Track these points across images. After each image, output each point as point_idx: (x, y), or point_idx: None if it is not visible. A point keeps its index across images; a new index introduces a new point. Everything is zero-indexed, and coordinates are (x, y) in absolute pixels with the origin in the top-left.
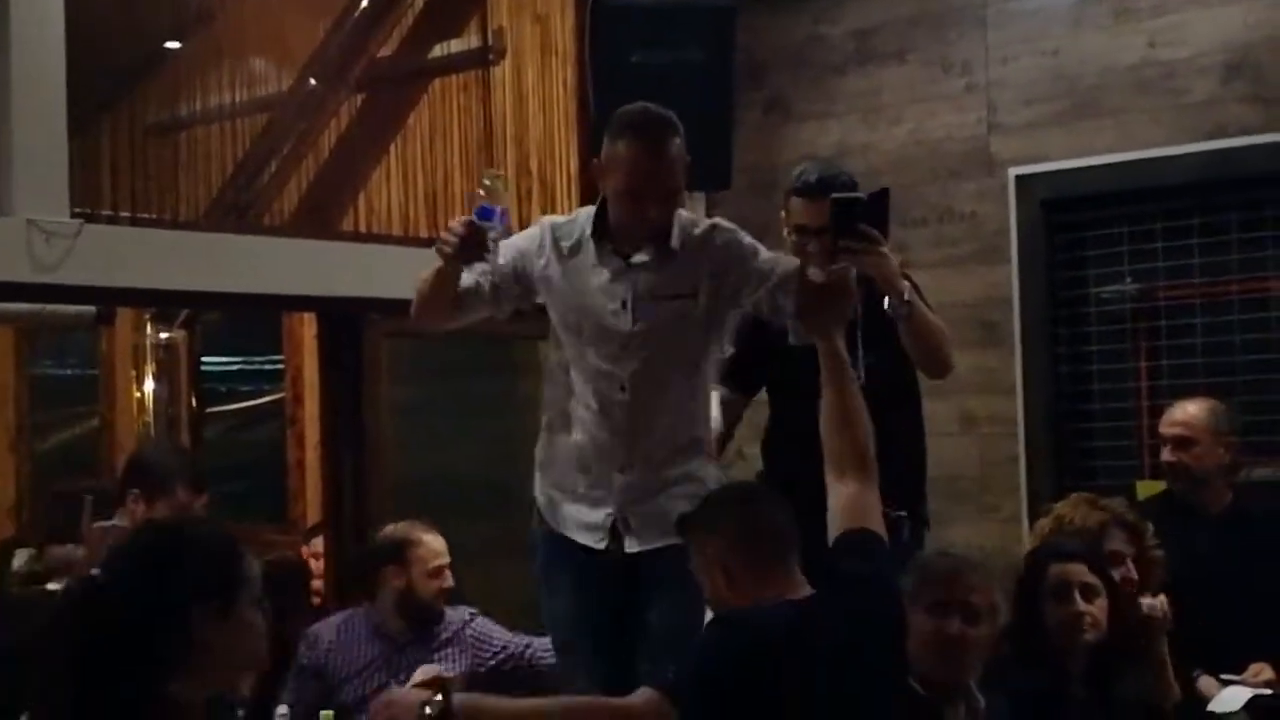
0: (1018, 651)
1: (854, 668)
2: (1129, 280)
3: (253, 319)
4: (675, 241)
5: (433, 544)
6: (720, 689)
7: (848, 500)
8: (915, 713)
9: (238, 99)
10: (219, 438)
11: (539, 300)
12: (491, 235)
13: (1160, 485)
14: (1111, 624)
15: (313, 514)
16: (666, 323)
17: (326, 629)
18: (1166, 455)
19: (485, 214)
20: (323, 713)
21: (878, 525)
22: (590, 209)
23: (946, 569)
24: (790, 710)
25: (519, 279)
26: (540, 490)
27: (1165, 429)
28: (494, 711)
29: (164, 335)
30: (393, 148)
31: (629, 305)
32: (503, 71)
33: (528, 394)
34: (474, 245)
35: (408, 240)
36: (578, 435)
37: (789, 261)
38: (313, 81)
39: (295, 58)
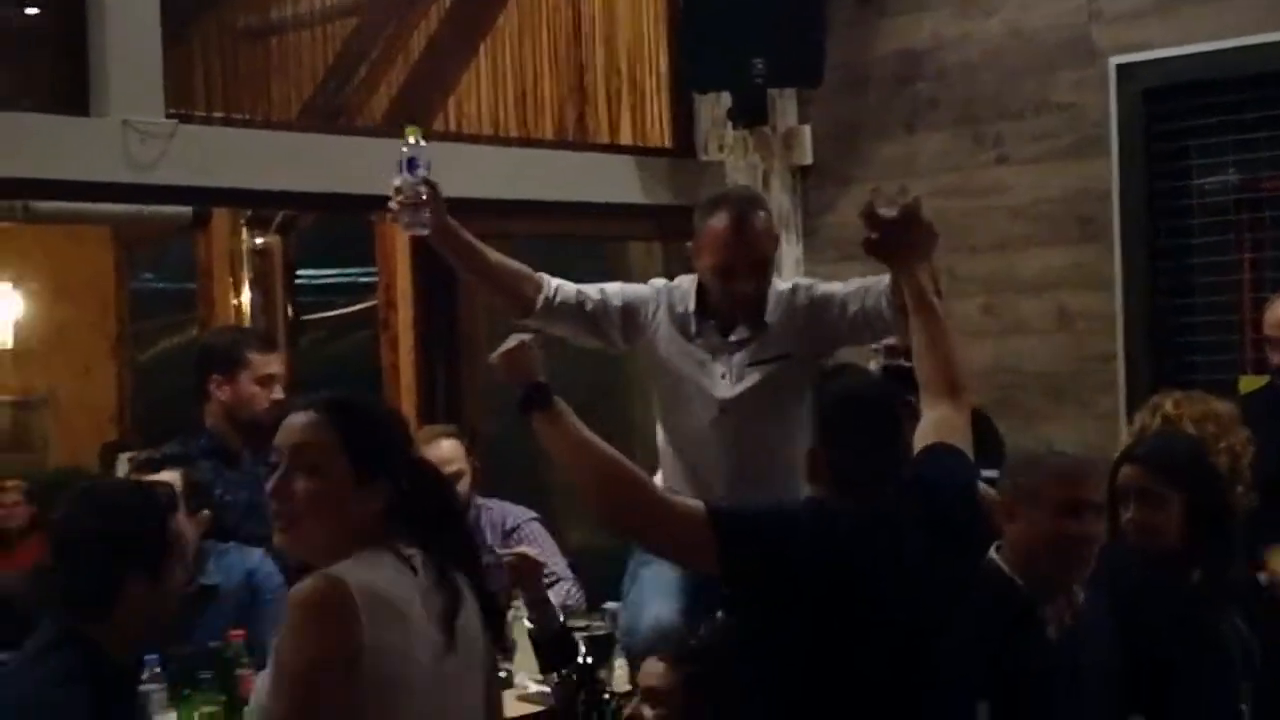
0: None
1: (925, 570)
2: (1231, 171)
3: (345, 227)
4: (770, 316)
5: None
6: (774, 552)
7: (936, 419)
8: (1013, 609)
9: (328, 2)
10: (313, 345)
11: (633, 345)
12: (410, 190)
13: (1262, 380)
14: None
15: (408, 416)
16: (766, 387)
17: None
18: (1276, 358)
19: (412, 165)
20: None
21: (963, 443)
22: (692, 278)
23: (1071, 468)
24: (848, 602)
25: (626, 316)
26: None
27: (1272, 330)
28: (573, 423)
29: (259, 240)
30: (482, 49)
31: (728, 376)
32: None
33: None
34: (415, 202)
35: (498, 140)
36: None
37: (878, 282)
38: None
39: None
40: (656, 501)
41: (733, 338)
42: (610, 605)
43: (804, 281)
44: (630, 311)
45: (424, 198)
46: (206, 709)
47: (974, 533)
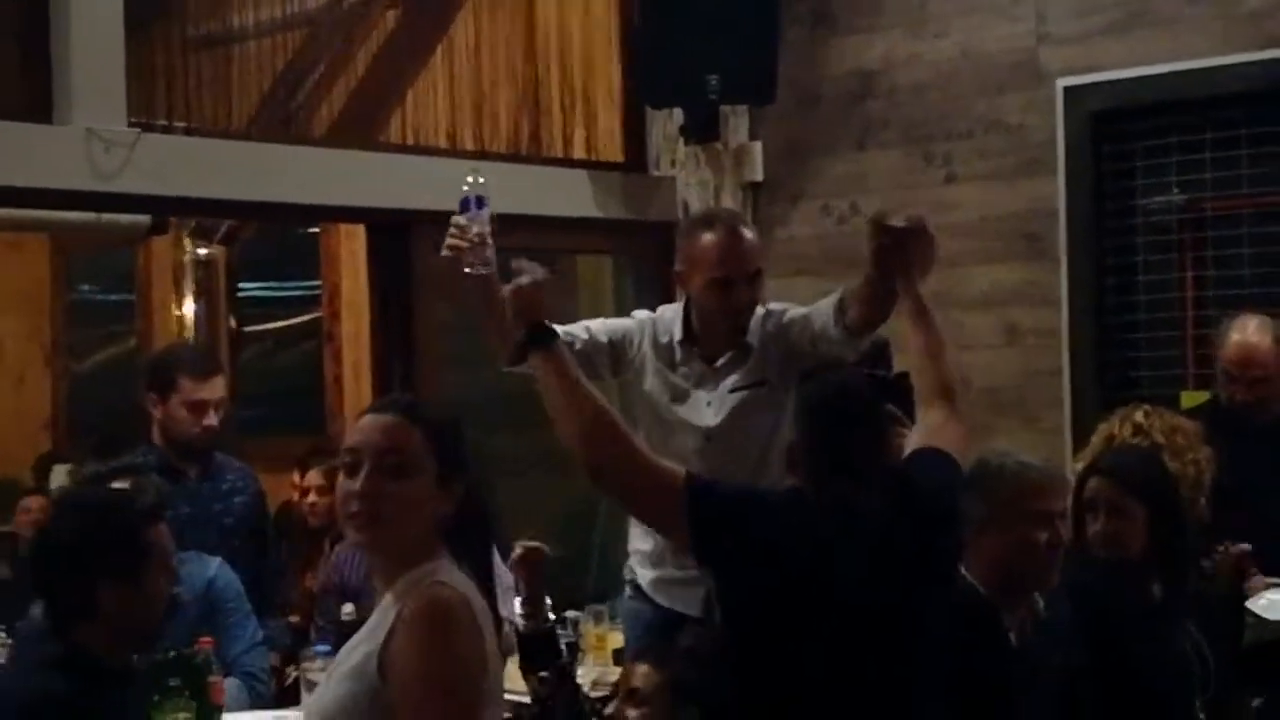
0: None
1: (902, 566)
2: (1176, 191)
3: (288, 239)
4: (753, 338)
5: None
6: (744, 532)
7: (932, 425)
8: (977, 616)
9: (285, 11)
10: (256, 358)
11: (621, 377)
12: (477, 229)
13: (1203, 395)
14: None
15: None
16: (745, 413)
17: None
18: (1239, 392)
19: (479, 204)
20: None
21: (958, 448)
22: (676, 308)
23: (1041, 480)
24: (818, 590)
25: (614, 350)
26: (637, 567)
27: (1237, 368)
28: (571, 367)
29: (202, 252)
30: (438, 61)
31: (712, 404)
32: None
33: (574, 310)
34: (476, 243)
35: (453, 152)
36: None
37: (826, 302)
38: None
39: None
40: (639, 458)
41: (718, 363)
42: (572, 614)
43: (776, 307)
44: (616, 345)
45: (489, 237)
46: (179, 715)
47: (953, 535)
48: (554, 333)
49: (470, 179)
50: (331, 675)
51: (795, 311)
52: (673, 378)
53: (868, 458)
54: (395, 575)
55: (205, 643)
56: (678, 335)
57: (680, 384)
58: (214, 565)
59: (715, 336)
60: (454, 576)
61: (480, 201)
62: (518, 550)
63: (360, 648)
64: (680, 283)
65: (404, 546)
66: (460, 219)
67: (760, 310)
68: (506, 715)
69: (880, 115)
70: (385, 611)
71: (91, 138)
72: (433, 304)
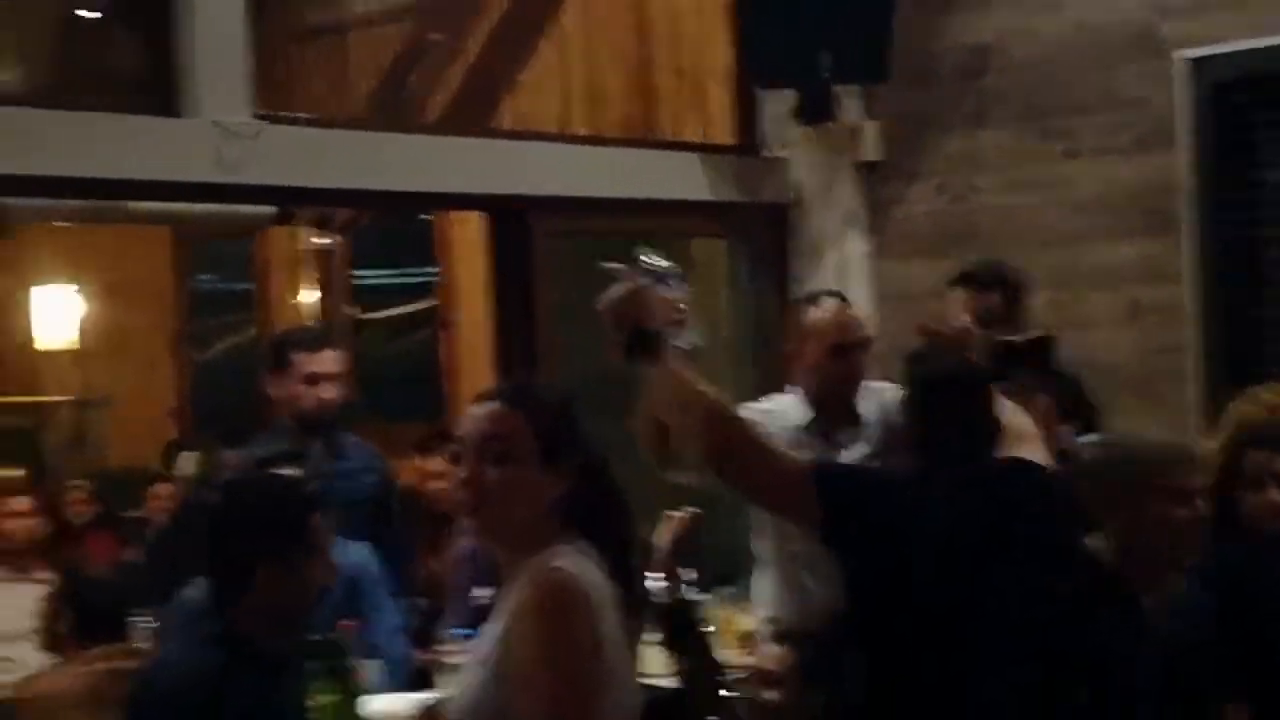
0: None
1: (1009, 547)
2: None
3: (403, 227)
4: (864, 411)
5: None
6: (868, 516)
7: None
8: (1114, 596)
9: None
10: (373, 345)
11: None
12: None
13: None
14: None
15: None
16: None
17: None
18: None
19: (672, 278)
20: None
21: (1034, 447)
22: (786, 400)
23: (1175, 457)
24: (938, 574)
25: None
26: None
27: None
28: (683, 367)
29: (319, 241)
30: (548, 46)
31: None
32: None
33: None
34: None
35: (564, 138)
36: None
37: None
38: None
39: None
40: (762, 447)
41: (839, 438)
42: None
43: (875, 385)
44: None
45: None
46: (323, 698)
47: (1062, 516)
48: (659, 339)
49: (647, 257)
50: (470, 661)
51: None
52: None
53: (972, 442)
54: (516, 560)
55: (347, 626)
56: (806, 416)
57: None
58: (356, 549)
59: (836, 410)
60: (571, 560)
61: (671, 276)
62: (670, 517)
63: (489, 634)
64: (795, 361)
65: (517, 531)
66: (668, 294)
67: (874, 384)
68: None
69: (996, 91)
70: (507, 597)
71: (217, 130)
72: (550, 289)
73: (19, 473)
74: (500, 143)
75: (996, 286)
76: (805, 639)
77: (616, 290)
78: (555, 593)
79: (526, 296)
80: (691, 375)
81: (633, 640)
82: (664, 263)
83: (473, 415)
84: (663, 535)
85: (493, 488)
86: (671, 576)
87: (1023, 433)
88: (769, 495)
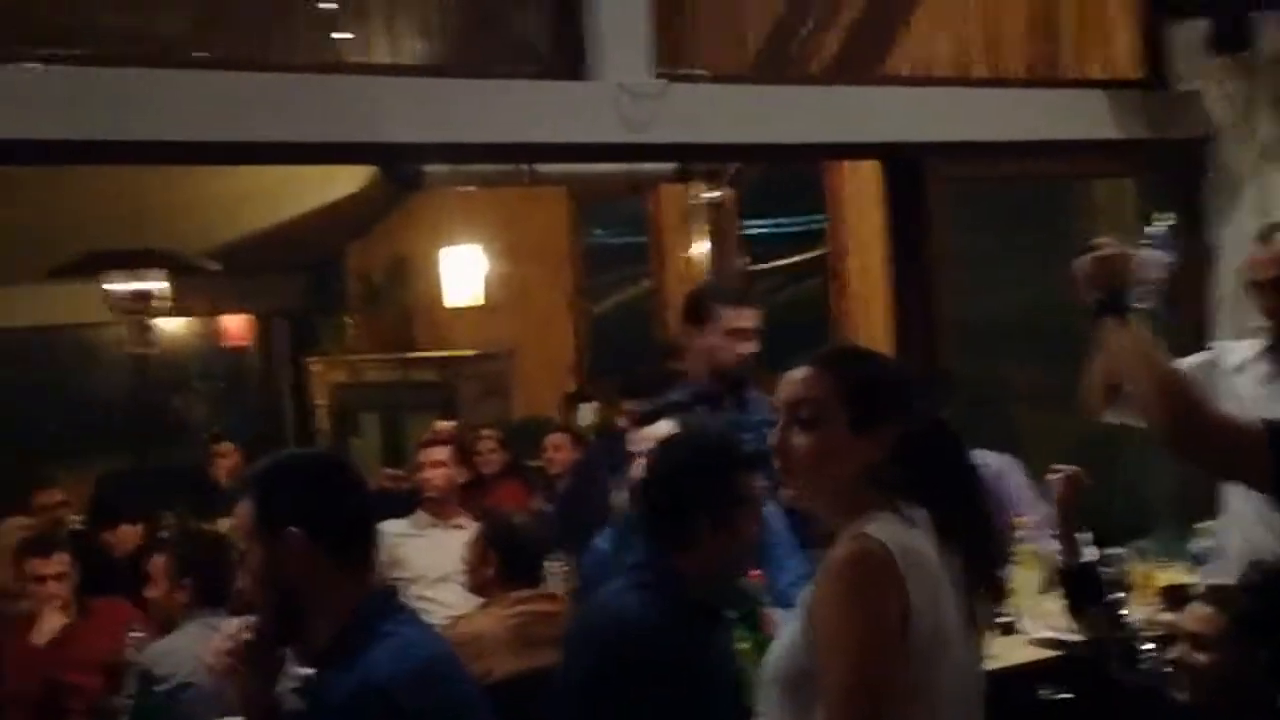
0: None
1: None
2: None
3: (790, 177)
4: None
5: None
6: None
7: None
8: None
9: None
10: (764, 295)
11: None
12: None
13: None
14: None
15: None
16: None
17: None
18: None
19: (1163, 244)
20: None
21: None
22: (1249, 341)
23: None
24: None
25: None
26: None
27: None
28: (1142, 334)
29: (710, 195)
30: None
31: None
32: None
33: (1081, 236)
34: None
35: (962, 81)
36: None
37: None
38: None
39: None
40: (1214, 414)
41: None
42: (1113, 550)
43: None
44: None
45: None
46: (737, 645)
47: None
48: (1128, 303)
49: (1158, 221)
50: (788, 622)
51: None
52: (1257, 390)
53: None
54: (836, 525)
55: (756, 575)
56: (1256, 351)
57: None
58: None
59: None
60: (883, 528)
61: (1169, 242)
62: (1053, 477)
63: (804, 597)
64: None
65: (832, 497)
66: (1164, 258)
67: None
68: (1058, 653)
69: None
70: (822, 561)
71: (622, 92)
72: (947, 235)
73: (450, 423)
74: (895, 90)
75: None
76: (1245, 591)
77: (1098, 253)
78: (855, 560)
79: (920, 243)
80: (1149, 341)
81: (977, 612)
82: (1168, 227)
83: (787, 379)
84: (1051, 497)
85: (798, 453)
86: (1066, 539)
87: None
88: (1228, 463)
